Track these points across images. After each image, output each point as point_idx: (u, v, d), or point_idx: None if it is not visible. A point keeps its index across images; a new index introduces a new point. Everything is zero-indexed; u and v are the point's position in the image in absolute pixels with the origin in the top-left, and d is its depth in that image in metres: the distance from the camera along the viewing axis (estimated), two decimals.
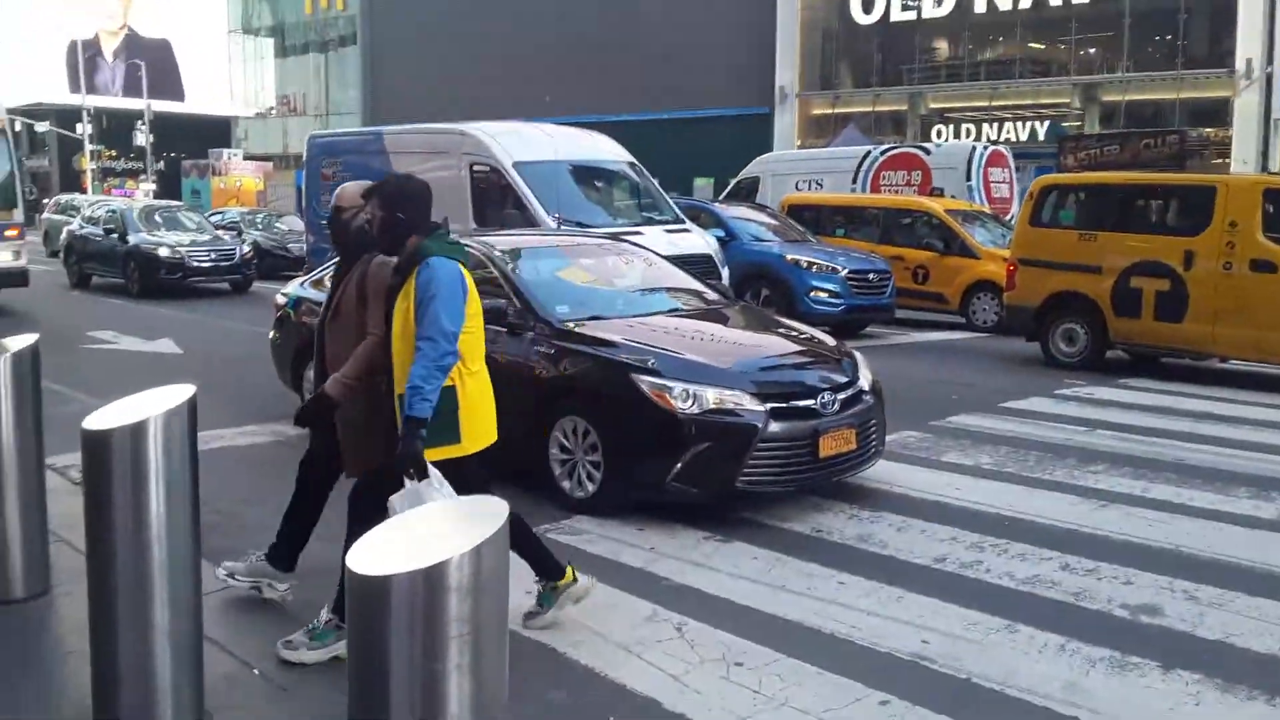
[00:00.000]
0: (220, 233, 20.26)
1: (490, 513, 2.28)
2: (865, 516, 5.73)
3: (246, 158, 46.04)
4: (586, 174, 12.75)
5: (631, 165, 13.08)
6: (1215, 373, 10.89)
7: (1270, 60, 27.79)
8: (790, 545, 5.23)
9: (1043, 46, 32.85)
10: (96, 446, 3.00)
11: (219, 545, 5.00)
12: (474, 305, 3.85)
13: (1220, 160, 28.11)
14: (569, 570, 4.23)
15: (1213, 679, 3.79)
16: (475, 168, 12.01)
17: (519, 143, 12.15)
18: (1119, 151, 18.93)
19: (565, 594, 4.19)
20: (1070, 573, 4.88)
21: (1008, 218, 17.03)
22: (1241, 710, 3.59)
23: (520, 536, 4.15)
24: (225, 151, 45.31)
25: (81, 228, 20.32)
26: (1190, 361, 11.01)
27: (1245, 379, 10.48)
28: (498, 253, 6.68)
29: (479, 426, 3.91)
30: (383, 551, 2.17)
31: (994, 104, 33.15)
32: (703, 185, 32.77)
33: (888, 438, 6.56)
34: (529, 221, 11.02)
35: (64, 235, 21.42)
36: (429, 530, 2.29)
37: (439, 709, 2.12)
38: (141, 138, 46.62)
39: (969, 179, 18.61)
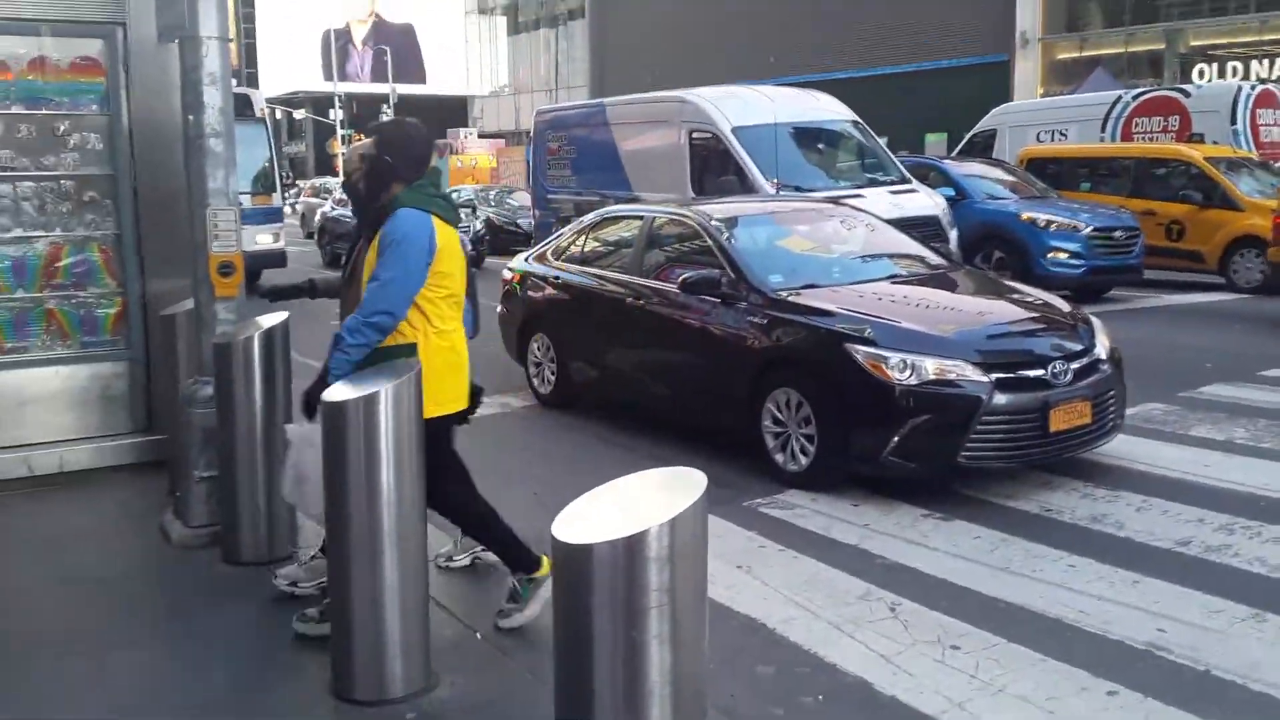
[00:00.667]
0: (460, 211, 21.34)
1: (689, 483, 2.32)
2: (1100, 495, 5.39)
3: (481, 135, 48.11)
4: (807, 136, 12.54)
5: (855, 124, 12.75)
6: None
7: None
8: (1016, 525, 5.01)
9: None
10: (334, 416, 3.25)
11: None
12: (446, 263, 3.62)
13: None
14: (545, 561, 3.91)
15: None
16: (695, 135, 12.07)
17: (738, 107, 12.09)
18: None
19: (544, 586, 3.85)
20: None
21: (1278, 164, 15.41)
22: None
23: (483, 526, 3.99)
24: (462, 131, 47.50)
25: (332, 210, 21.62)
26: None
27: None
28: (713, 222, 6.70)
29: (442, 391, 3.66)
30: (587, 520, 2.25)
31: (1265, 37, 29.90)
32: (935, 141, 31.43)
33: (1129, 410, 6.14)
34: (747, 188, 10.99)
35: (317, 217, 23.04)
36: (631, 500, 2.35)
37: (640, 677, 2.19)
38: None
39: (1234, 122, 16.90)
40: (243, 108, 14.82)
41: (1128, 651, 3.70)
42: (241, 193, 15.70)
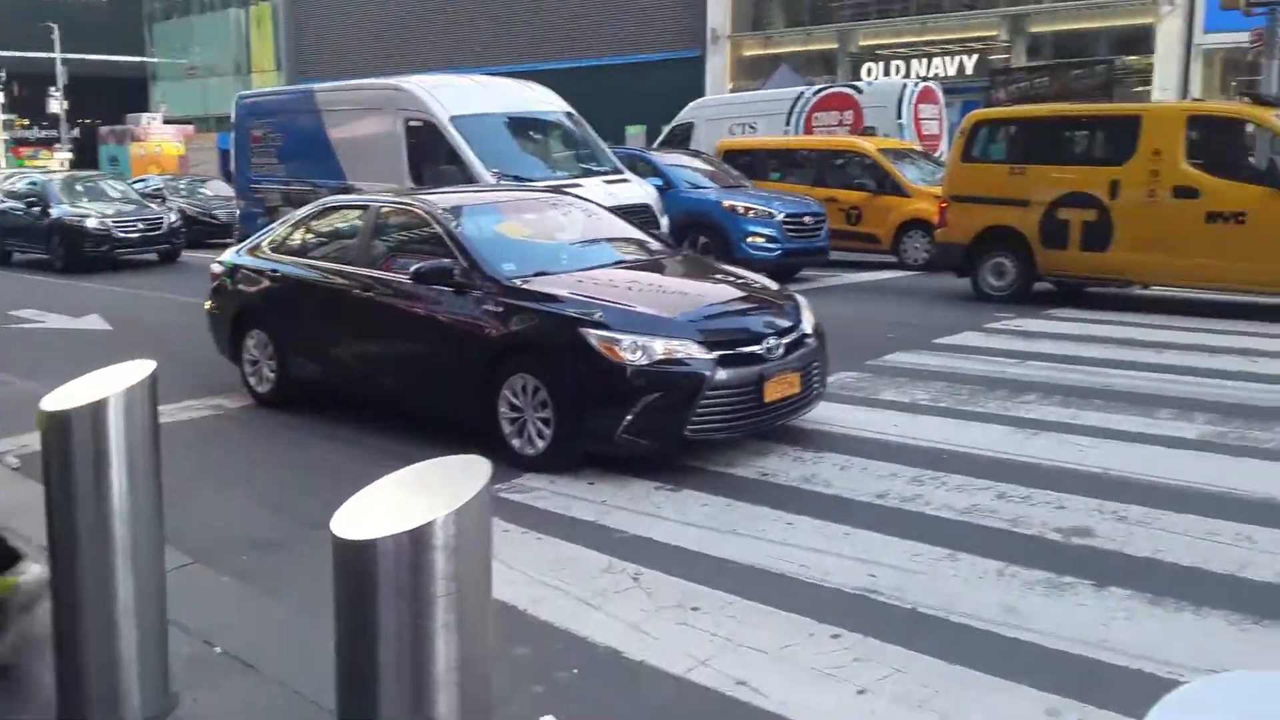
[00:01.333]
0: (147, 201, 19.76)
1: (473, 470, 2.36)
2: (809, 458, 5.91)
3: (166, 121, 44.60)
4: (524, 126, 12.68)
5: (569, 115, 13.03)
6: (1139, 299, 11.27)
7: None
8: (738, 490, 5.39)
9: None
10: (56, 428, 3.01)
11: (171, 525, 5.03)
12: None
13: (1144, 88, 28.65)
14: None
15: (1143, 594, 4.01)
16: (411, 123, 11.89)
17: (455, 96, 12.03)
18: (1049, 83, 19.22)
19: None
20: (1006, 500, 5.11)
21: (938, 154, 17.27)
22: (1170, 621, 3.82)
23: None
24: (144, 116, 43.82)
25: (1, 201, 19.67)
26: (1115, 290, 11.37)
27: (1167, 304, 10.86)
28: (442, 211, 6.68)
29: None
30: (367, 516, 2.23)
31: (923, 39, 33.24)
32: (635, 133, 32.56)
33: (829, 379, 6.74)
34: (466, 177, 10.97)
35: None
36: (412, 491, 2.34)
37: (428, 668, 2.20)
38: (55, 104, 44.94)
39: (899, 117, 18.80)
40: None
41: (846, 597, 4.10)
42: None
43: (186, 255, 18.54)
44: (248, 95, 15.35)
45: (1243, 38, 19.93)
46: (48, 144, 50.22)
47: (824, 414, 6.58)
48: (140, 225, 17.98)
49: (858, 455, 5.91)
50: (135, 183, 24.46)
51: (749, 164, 16.57)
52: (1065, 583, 4.15)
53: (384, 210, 7.09)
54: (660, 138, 22.30)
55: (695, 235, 13.62)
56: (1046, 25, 31.48)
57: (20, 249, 18.99)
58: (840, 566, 4.37)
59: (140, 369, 3.20)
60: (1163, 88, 28.18)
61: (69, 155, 44.09)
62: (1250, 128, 10.23)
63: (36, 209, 18.26)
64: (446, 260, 6.23)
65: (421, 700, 2.22)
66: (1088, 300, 11.30)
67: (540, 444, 5.76)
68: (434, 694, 2.23)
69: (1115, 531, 4.68)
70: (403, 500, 2.27)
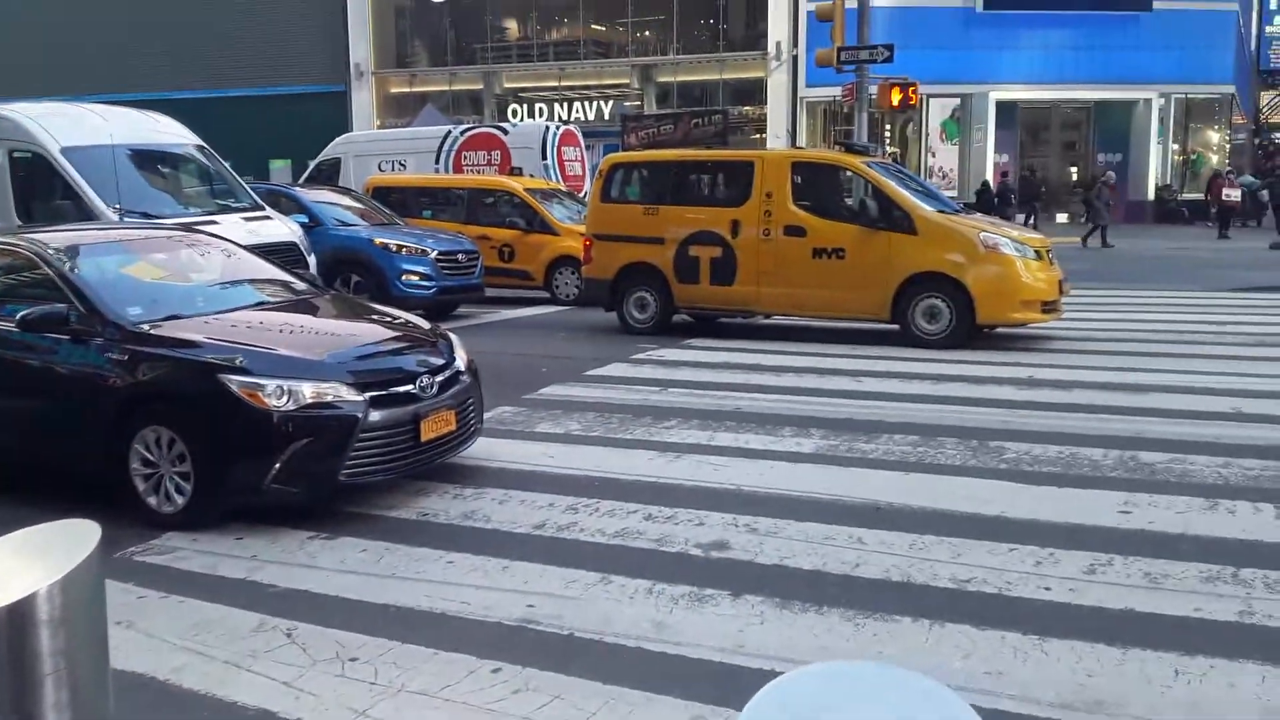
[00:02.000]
0: None
1: (80, 534, 2.19)
2: (469, 494, 5.96)
3: None
4: (149, 159, 11.80)
5: (200, 148, 12.29)
6: (763, 328, 12.38)
7: (795, 43, 31.51)
8: (398, 532, 5.34)
9: (604, 28, 34.83)
10: None
11: None
12: None
13: (758, 135, 31.60)
14: None
15: (772, 599, 4.41)
16: (15, 155, 10.71)
17: (67, 125, 10.98)
18: (673, 130, 20.70)
19: None
20: (652, 521, 5.43)
21: (582, 194, 18.03)
22: (798, 621, 4.22)
23: None
24: None
25: None
26: (742, 320, 12.42)
27: (787, 331, 12.02)
28: (51, 250, 6.09)
29: None
30: None
31: (563, 84, 34.68)
32: (280, 167, 31.32)
33: (486, 414, 6.83)
34: (85, 214, 10.04)
35: None
36: (10, 563, 2.14)
37: None
38: None
39: (545, 158, 19.43)
40: None
41: (506, 630, 4.18)
42: None
43: None
44: None
45: (839, 91, 22.56)
46: None
47: (483, 449, 6.66)
48: None
49: (516, 488, 6.03)
50: None
51: (401, 201, 16.45)
52: (707, 594, 4.48)
53: None
54: (306, 173, 21.57)
55: (347, 274, 13.30)
56: (671, 76, 33.94)
57: None
58: (500, 600, 4.45)
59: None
60: (775, 135, 31.27)
61: None
62: (845, 173, 11.59)
63: None
64: (60, 305, 5.68)
65: None
66: (720, 330, 12.26)
67: (180, 500, 5.39)
68: None
69: (748, 543, 5.11)
70: (5, 570, 2.08)
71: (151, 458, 5.43)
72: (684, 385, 8.92)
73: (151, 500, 5.44)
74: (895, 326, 10.96)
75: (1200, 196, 31.09)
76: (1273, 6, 42.92)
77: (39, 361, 5.73)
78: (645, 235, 11.86)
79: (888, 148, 28.93)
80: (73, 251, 6.19)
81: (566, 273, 15.16)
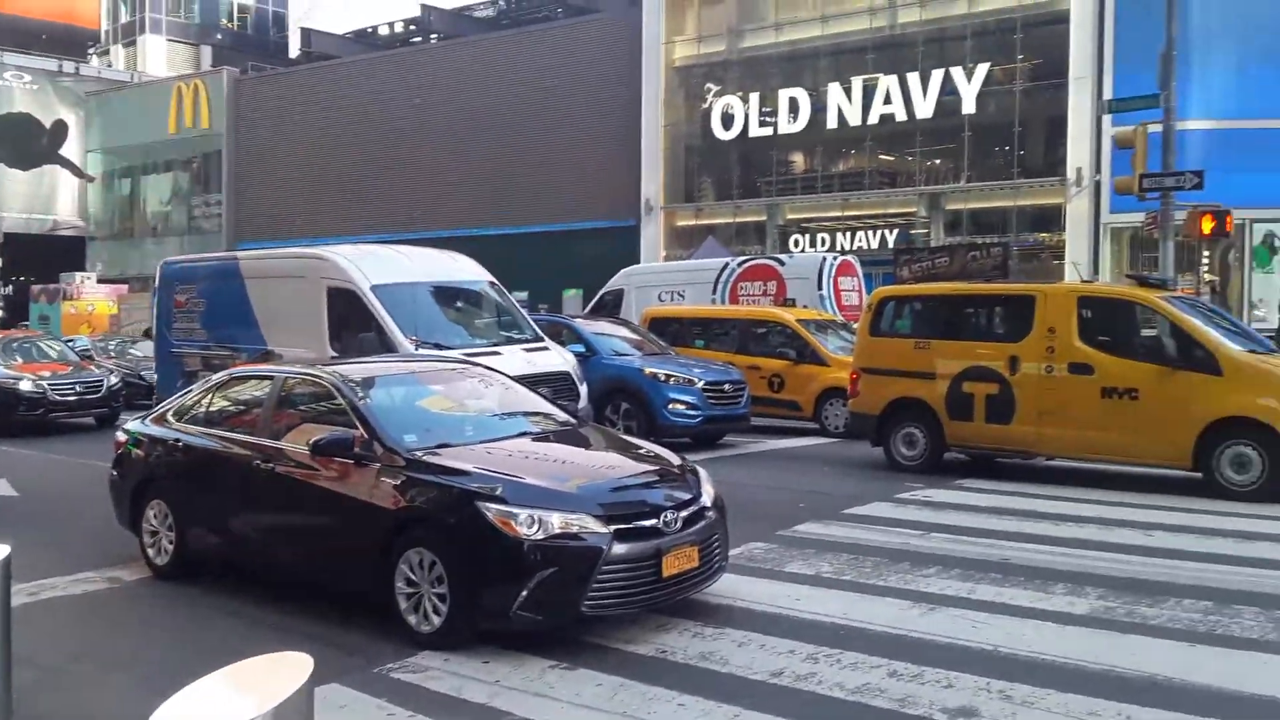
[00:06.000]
0: (86, 363, 19.26)
1: (294, 667, 2.35)
2: (708, 633, 5.89)
3: (100, 280, 44.40)
4: (446, 295, 12.95)
5: (491, 285, 13.34)
6: (1043, 470, 11.57)
7: (1098, 169, 30.09)
8: (633, 668, 5.34)
9: (891, 158, 34.87)
10: None
11: (44, 708, 4.85)
12: None
13: (1056, 263, 30.13)
14: None
15: None
16: (332, 291, 12.07)
17: (376, 265, 12.29)
18: (949, 263, 20.18)
19: None
20: (897, 679, 5.12)
21: (857, 325, 17.86)
22: None
23: None
24: (78, 275, 43.61)
25: None
26: (1020, 460, 11.68)
27: (1068, 475, 11.17)
28: (346, 382, 6.75)
29: None
30: (187, 714, 2.20)
31: (846, 214, 34.87)
32: (572, 296, 33.32)
33: (734, 550, 6.77)
34: (386, 345, 11.10)
35: None
36: (234, 688, 2.33)
37: None
38: None
39: (820, 288, 19.49)
40: None
41: None
42: None
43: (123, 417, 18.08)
44: (173, 261, 15.47)
45: (1143, 217, 21.17)
46: None
47: (729, 587, 6.59)
48: (78, 387, 17.32)
49: (757, 631, 5.90)
50: (66, 342, 24.10)
51: (676, 331, 17.02)
52: None
53: (289, 381, 7.14)
54: (591, 303, 22.82)
55: (619, 402, 13.81)
56: (962, 204, 33.26)
57: None
58: None
59: None
60: (1074, 263, 29.70)
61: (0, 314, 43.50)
62: (1138, 309, 10.80)
63: None
64: (346, 432, 6.26)
65: None
66: (996, 470, 11.58)
67: (436, 620, 5.68)
68: None
69: (1000, 711, 4.70)
70: (225, 699, 2.26)
71: (414, 578, 5.78)
72: (949, 530, 8.46)
73: (412, 619, 5.76)
74: (1197, 475, 9.93)
75: None
76: None
77: (324, 483, 6.29)
78: (915, 370, 11.54)
79: (1205, 276, 26.73)
80: (367, 383, 6.82)
81: (836, 404, 14.97)
